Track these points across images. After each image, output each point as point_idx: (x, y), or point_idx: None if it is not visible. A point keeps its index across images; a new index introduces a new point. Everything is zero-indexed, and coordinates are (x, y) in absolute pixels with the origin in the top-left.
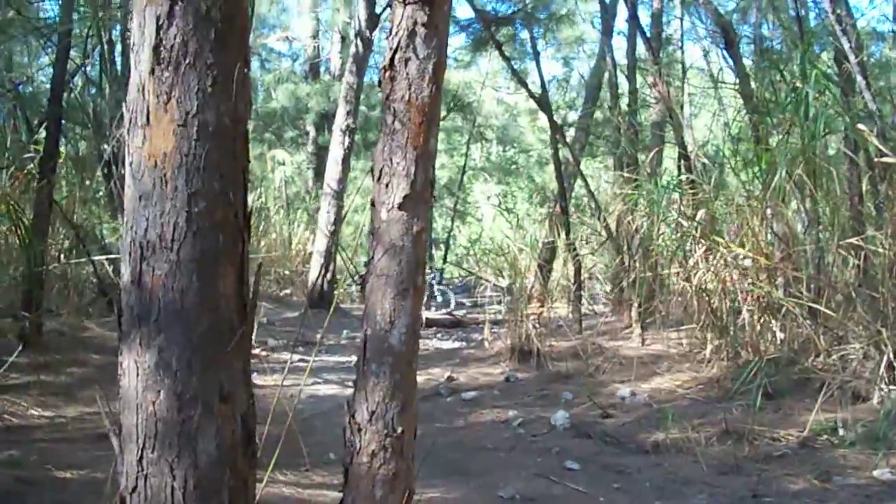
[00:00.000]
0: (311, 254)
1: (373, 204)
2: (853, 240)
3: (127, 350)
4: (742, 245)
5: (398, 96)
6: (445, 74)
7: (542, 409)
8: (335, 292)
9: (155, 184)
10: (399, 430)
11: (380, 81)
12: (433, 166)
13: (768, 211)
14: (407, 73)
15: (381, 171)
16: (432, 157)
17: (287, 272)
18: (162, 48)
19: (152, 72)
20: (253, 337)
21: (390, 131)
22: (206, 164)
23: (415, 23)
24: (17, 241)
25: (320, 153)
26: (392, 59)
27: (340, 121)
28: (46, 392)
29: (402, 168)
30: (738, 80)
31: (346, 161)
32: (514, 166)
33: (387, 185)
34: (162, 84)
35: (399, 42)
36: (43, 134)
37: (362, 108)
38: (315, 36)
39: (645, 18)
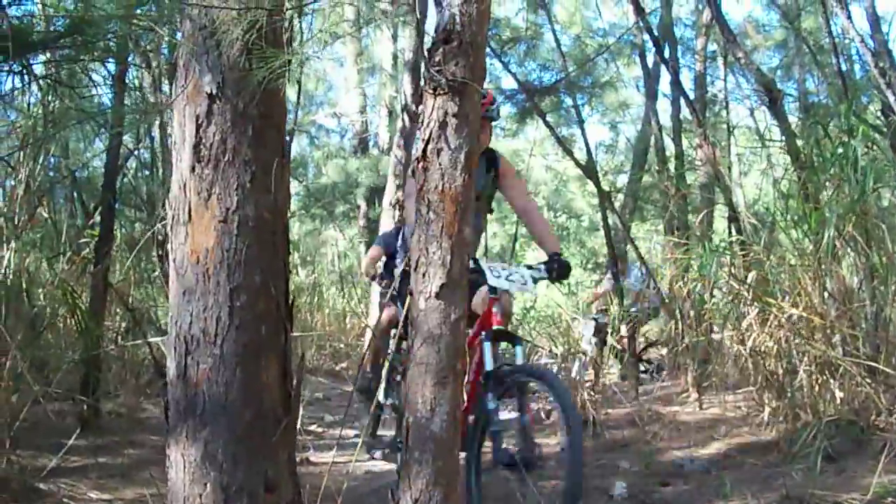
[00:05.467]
0: (365, 328)
1: (410, 293)
2: None
3: (174, 443)
4: (795, 305)
5: (431, 186)
6: (494, 143)
7: (600, 479)
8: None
9: (198, 279)
10: None
11: (413, 172)
12: (468, 254)
13: (821, 269)
14: (440, 164)
15: (417, 261)
16: (468, 246)
17: (342, 346)
18: (202, 146)
19: (193, 169)
20: (302, 418)
21: (425, 221)
22: (247, 258)
23: (445, 113)
24: (75, 325)
25: (371, 227)
26: (425, 150)
27: (390, 195)
28: (104, 474)
29: (437, 257)
30: (784, 138)
31: None
32: (565, 232)
33: (423, 275)
34: (203, 181)
35: (431, 133)
36: (98, 218)
37: None
38: (363, 111)
39: (688, 81)
